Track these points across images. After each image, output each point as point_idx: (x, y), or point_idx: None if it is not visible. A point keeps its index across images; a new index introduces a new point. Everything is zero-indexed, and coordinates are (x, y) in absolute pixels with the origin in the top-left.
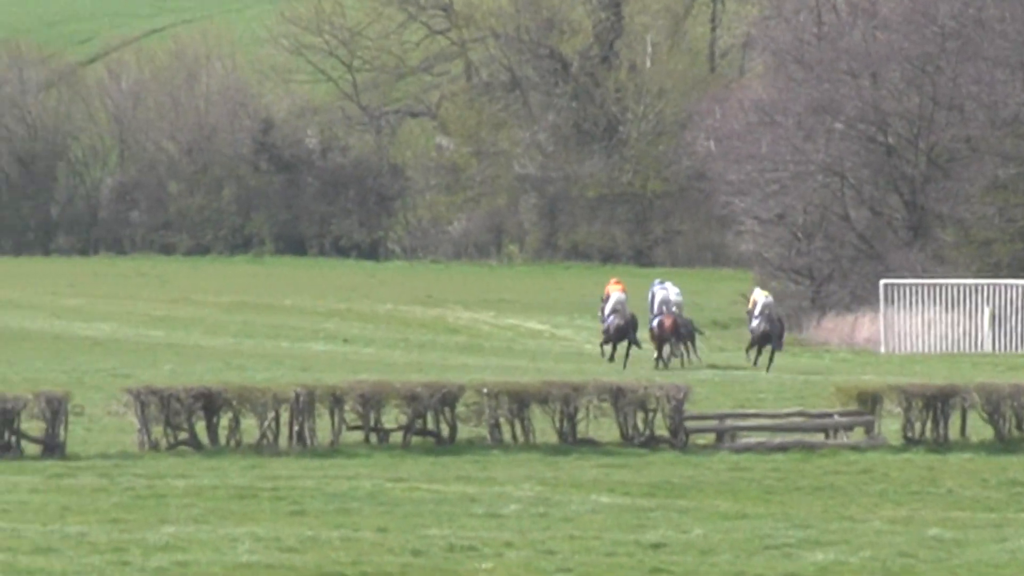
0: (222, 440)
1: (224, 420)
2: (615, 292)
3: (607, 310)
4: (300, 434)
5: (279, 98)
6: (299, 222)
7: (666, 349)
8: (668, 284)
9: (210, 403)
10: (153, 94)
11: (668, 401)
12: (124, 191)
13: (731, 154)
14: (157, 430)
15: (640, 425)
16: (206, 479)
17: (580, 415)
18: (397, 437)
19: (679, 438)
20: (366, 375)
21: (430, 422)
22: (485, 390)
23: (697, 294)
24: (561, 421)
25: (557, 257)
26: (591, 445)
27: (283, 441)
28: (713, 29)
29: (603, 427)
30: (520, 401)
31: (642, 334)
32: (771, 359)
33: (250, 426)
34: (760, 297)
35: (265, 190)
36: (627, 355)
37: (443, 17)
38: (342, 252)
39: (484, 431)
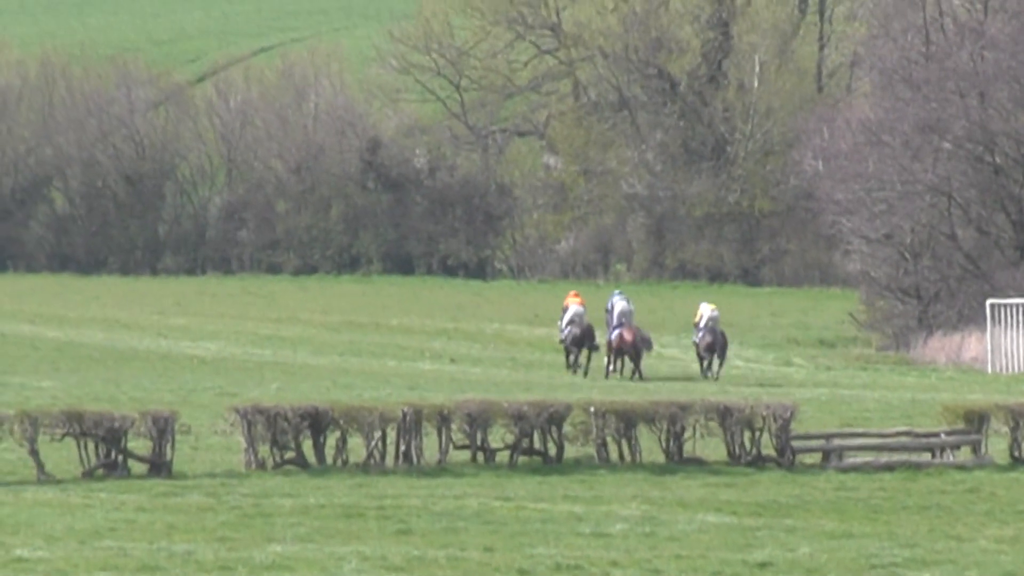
0: (329, 459)
1: (331, 439)
2: (573, 304)
3: (565, 321)
4: (407, 453)
5: (387, 117)
6: (406, 241)
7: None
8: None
9: (317, 422)
10: (261, 113)
11: (775, 420)
12: (232, 210)
13: (838, 173)
14: (264, 449)
15: (747, 444)
16: (313, 498)
17: (687, 434)
18: (504, 456)
19: (786, 457)
20: (473, 394)
21: (537, 441)
22: (592, 409)
23: (804, 313)
24: (668, 440)
25: (664, 276)
26: (698, 464)
27: (390, 460)
28: (821, 48)
29: (710, 446)
30: (627, 420)
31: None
32: (720, 366)
33: (357, 445)
34: (706, 311)
35: (373, 209)
36: (588, 361)
37: (551, 36)
38: (449, 271)
39: (591, 450)
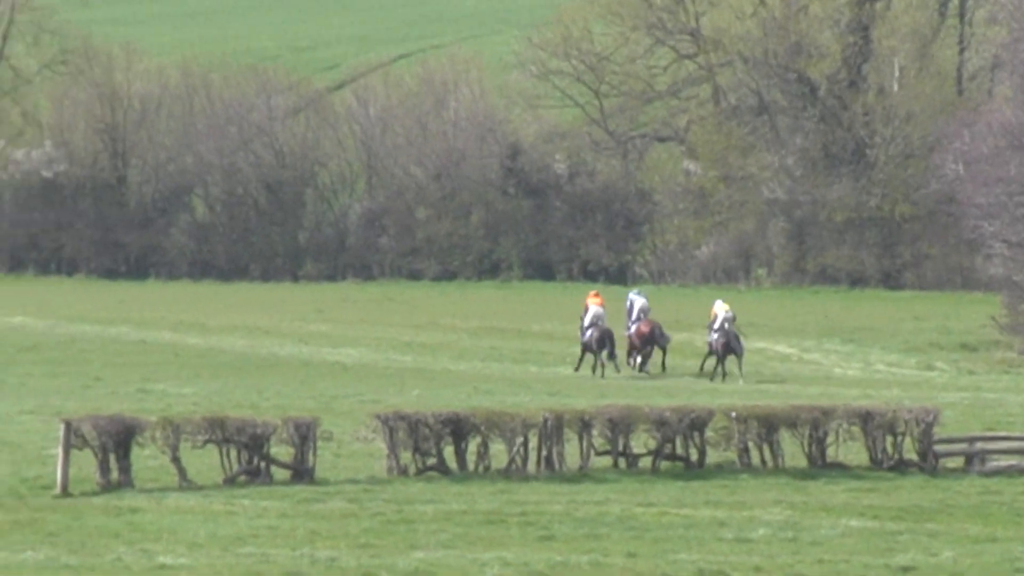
0: (471, 465)
1: (472, 445)
2: (593, 305)
3: (586, 322)
4: (548, 459)
5: (526, 123)
6: (547, 247)
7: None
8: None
9: (458, 428)
10: (401, 120)
11: (917, 425)
12: (372, 217)
13: (979, 177)
14: (406, 455)
15: (889, 449)
16: (455, 504)
17: (829, 439)
18: (646, 462)
19: (928, 462)
20: (614, 400)
21: (679, 447)
22: (734, 414)
23: (946, 317)
24: (810, 445)
25: (805, 281)
26: (840, 469)
27: (531, 466)
28: (961, 51)
29: (852, 451)
30: (769, 425)
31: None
32: (740, 367)
33: (499, 451)
34: (720, 311)
35: (513, 215)
36: (604, 365)
37: (690, 42)
38: (590, 277)
39: (733, 455)
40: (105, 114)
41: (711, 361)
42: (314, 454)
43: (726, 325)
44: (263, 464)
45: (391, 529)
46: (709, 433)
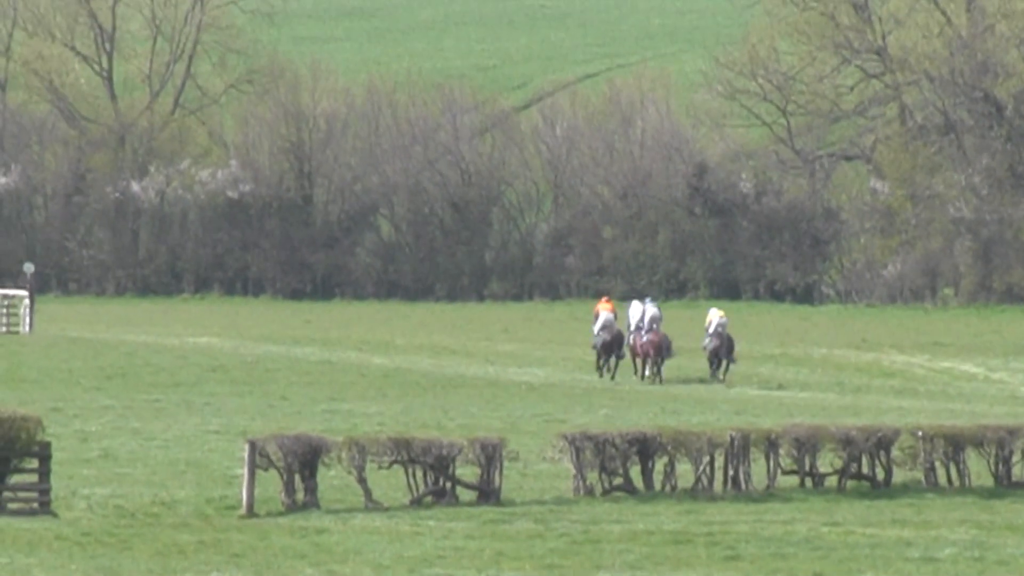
0: (657, 485)
1: (659, 465)
2: (604, 312)
3: (597, 327)
4: (735, 478)
5: (713, 142)
6: (733, 266)
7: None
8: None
9: (645, 448)
10: (587, 139)
11: None
12: (559, 236)
13: None
14: (592, 475)
15: None
16: (641, 524)
17: (1016, 458)
18: (832, 481)
19: None
20: (801, 419)
21: (865, 466)
22: (920, 433)
23: None
24: (996, 464)
25: (992, 300)
26: None
27: (718, 485)
28: None
29: None
30: (955, 444)
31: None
32: (726, 370)
33: (685, 470)
34: (715, 316)
35: (699, 234)
36: (615, 367)
37: (877, 61)
38: (776, 296)
39: (919, 475)
40: (291, 133)
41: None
42: (500, 474)
43: (720, 330)
44: (449, 485)
45: (577, 549)
46: (895, 452)
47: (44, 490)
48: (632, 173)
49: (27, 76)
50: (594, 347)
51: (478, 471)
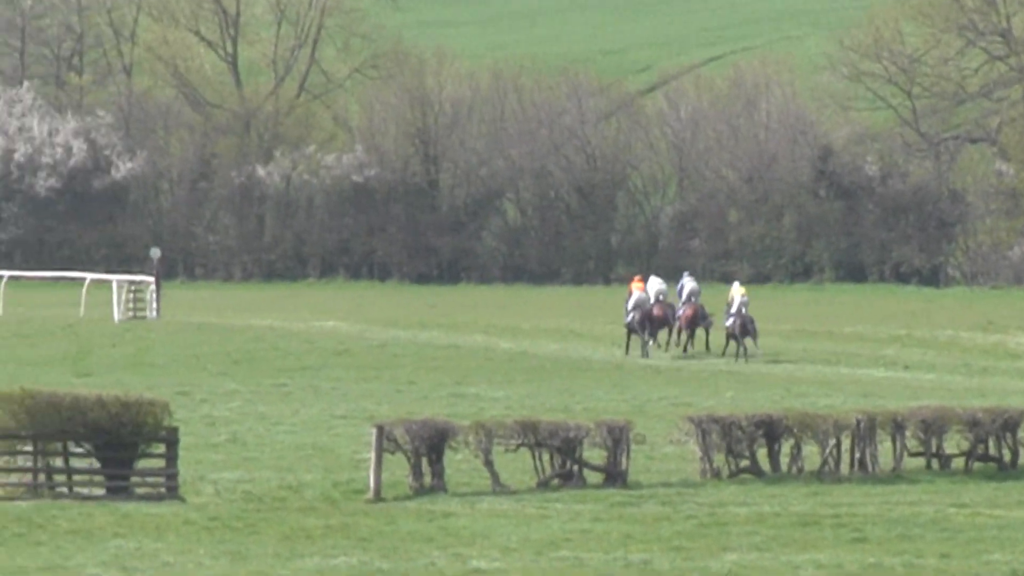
0: (783, 467)
1: (785, 447)
2: (637, 291)
3: (629, 306)
4: (861, 460)
5: (838, 125)
6: (859, 249)
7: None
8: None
9: (771, 430)
10: (712, 122)
11: None
12: (684, 220)
13: None
14: (719, 458)
15: None
16: (767, 506)
17: None
18: (959, 463)
19: None
20: (927, 401)
21: (992, 447)
22: None
23: None
24: None
25: None
26: None
27: (844, 467)
28: None
29: None
30: None
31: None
32: (744, 352)
33: (811, 453)
34: (736, 295)
35: (824, 217)
36: (643, 343)
37: (1001, 43)
38: (902, 279)
39: None
40: (416, 118)
41: (732, 344)
42: (627, 457)
43: (743, 309)
44: (576, 468)
45: (704, 532)
46: (1022, 434)
47: (172, 475)
48: (757, 156)
49: (152, 62)
50: (627, 325)
51: (605, 454)
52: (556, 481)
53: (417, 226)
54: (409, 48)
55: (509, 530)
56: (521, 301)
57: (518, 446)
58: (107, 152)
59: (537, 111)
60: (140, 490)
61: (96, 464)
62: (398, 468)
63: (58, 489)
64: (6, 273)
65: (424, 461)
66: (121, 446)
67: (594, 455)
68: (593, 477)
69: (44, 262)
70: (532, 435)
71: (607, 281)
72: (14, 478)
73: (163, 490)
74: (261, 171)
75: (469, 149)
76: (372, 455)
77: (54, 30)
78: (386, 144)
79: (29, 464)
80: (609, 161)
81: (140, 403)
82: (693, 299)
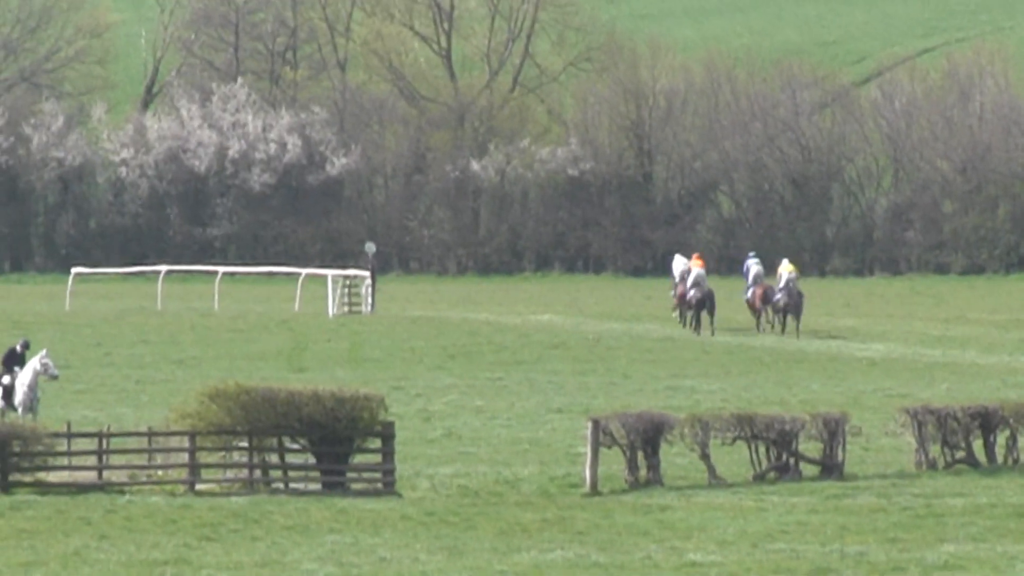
0: (999, 458)
1: (1001, 438)
2: (696, 268)
3: (689, 283)
4: None
5: None
6: None
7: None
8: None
9: (987, 421)
10: (926, 113)
11: None
12: (898, 211)
13: None
14: (935, 449)
15: None
16: (983, 497)
17: None
18: None
19: None
20: None
21: None
22: None
23: None
24: None
25: None
26: None
27: None
28: None
29: None
30: None
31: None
32: (797, 325)
33: None
34: (784, 272)
35: None
36: (709, 322)
37: None
38: None
39: None
40: (630, 111)
41: (778, 320)
42: (843, 449)
43: (790, 285)
44: (792, 460)
45: (920, 523)
46: None
47: (388, 470)
48: (971, 147)
49: (367, 56)
50: (687, 302)
51: (821, 446)
52: (772, 474)
53: (632, 219)
54: (623, 41)
55: (725, 523)
56: (737, 293)
57: (734, 439)
58: (321, 148)
59: (751, 103)
60: (356, 485)
61: (311, 459)
62: (614, 462)
63: (274, 484)
64: (221, 269)
65: (640, 455)
66: (337, 441)
67: (810, 447)
68: (809, 469)
69: (258, 257)
70: (748, 428)
71: (822, 273)
72: (230, 474)
73: (379, 485)
74: (475, 165)
75: (683, 142)
76: (588, 449)
77: (268, 25)
78: (600, 137)
79: (245, 460)
80: (823, 153)
81: (355, 398)
82: (759, 280)
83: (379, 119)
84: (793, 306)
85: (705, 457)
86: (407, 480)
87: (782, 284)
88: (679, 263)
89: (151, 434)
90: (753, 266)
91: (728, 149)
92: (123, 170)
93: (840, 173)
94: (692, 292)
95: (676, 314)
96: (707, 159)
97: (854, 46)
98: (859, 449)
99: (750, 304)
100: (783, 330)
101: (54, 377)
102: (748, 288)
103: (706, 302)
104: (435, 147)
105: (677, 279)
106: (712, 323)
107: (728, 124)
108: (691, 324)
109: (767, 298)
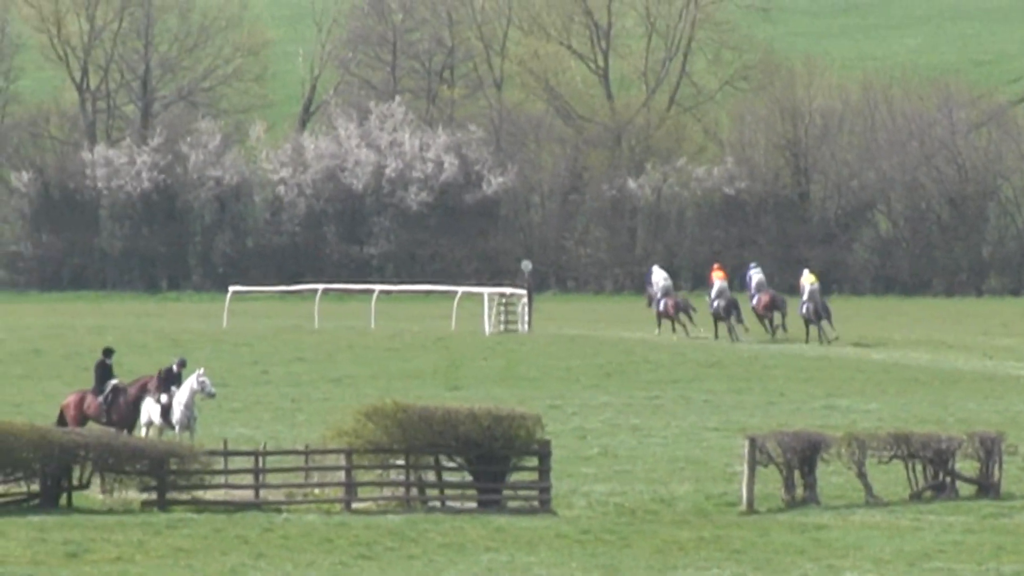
0: None
1: None
2: (718, 280)
3: (713, 294)
4: None
5: None
6: None
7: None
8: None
9: None
10: None
11: None
12: None
13: None
14: None
15: None
16: None
17: None
18: None
19: None
20: None
21: None
22: None
23: None
24: None
25: None
26: None
27: None
28: None
29: None
30: None
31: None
32: (823, 333)
33: None
34: (807, 283)
35: None
36: (734, 329)
37: None
38: None
39: None
40: (786, 130)
41: (812, 328)
42: (999, 468)
43: (814, 294)
44: (948, 479)
45: None
46: None
47: (545, 488)
48: None
49: (523, 75)
50: (714, 313)
51: (977, 465)
52: (929, 492)
53: (787, 238)
54: (779, 59)
55: (882, 542)
56: (892, 312)
57: (891, 458)
58: (478, 167)
59: (908, 122)
60: (512, 503)
61: (468, 478)
62: (770, 480)
63: (430, 503)
64: (378, 287)
65: (796, 473)
66: (493, 459)
67: (966, 466)
68: (965, 488)
69: (415, 276)
70: (904, 447)
71: (979, 292)
72: (387, 492)
73: (536, 503)
74: (632, 184)
75: (839, 160)
76: (745, 467)
77: (425, 44)
78: (756, 156)
79: (401, 478)
80: (980, 172)
81: (512, 416)
82: (763, 288)
83: (535, 138)
84: (823, 311)
85: (861, 476)
86: (563, 498)
87: (806, 295)
88: (658, 274)
89: (308, 452)
90: (755, 275)
91: (885, 168)
92: (280, 189)
93: (996, 192)
94: (716, 302)
95: (658, 328)
96: (863, 178)
97: (1011, 65)
98: (1016, 468)
99: (755, 311)
100: (820, 337)
101: (211, 395)
102: (752, 296)
103: (732, 310)
104: (591, 166)
105: (655, 291)
106: (734, 329)
107: (884, 143)
108: (719, 333)
109: (773, 304)
